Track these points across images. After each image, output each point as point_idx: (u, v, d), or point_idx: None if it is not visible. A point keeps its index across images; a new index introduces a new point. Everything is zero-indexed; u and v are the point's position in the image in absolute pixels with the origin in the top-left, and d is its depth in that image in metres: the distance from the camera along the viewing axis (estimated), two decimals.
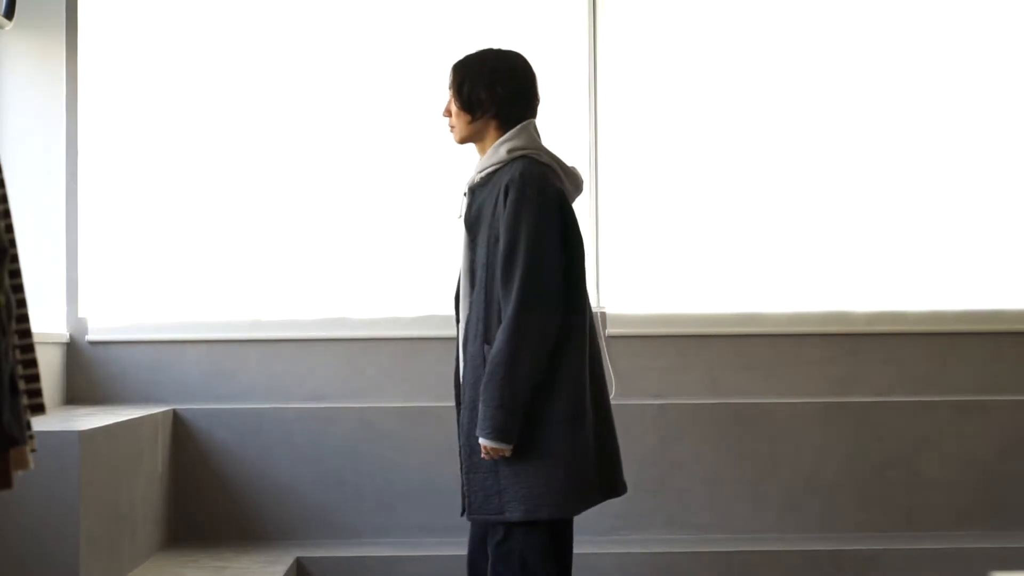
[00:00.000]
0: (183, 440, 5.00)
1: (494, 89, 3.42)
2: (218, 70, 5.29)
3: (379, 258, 5.25)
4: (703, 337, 5.29)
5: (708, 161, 5.36)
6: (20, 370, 2.50)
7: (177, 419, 5.00)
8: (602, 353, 3.52)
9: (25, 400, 2.46)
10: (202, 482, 5.00)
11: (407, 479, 5.00)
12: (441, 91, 5.19)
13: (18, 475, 2.37)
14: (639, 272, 5.32)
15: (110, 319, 5.20)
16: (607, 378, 3.51)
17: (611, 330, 5.25)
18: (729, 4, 5.41)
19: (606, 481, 3.41)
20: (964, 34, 5.44)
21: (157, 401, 5.12)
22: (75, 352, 5.17)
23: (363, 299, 5.27)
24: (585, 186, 5.23)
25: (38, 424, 2.75)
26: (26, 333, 2.56)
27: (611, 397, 5.05)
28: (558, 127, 5.22)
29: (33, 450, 2.47)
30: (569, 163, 3.49)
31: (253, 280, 5.26)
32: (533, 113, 3.48)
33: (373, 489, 5.01)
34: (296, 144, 5.29)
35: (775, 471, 5.09)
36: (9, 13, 4.88)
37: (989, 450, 5.15)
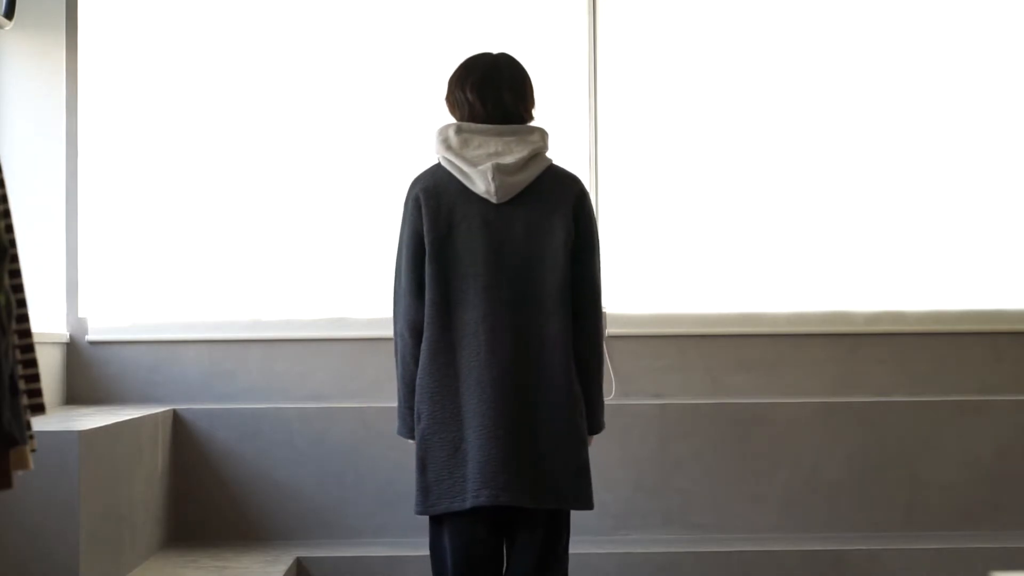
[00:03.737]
0: (183, 440, 5.00)
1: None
2: (218, 70, 5.29)
3: (379, 258, 5.25)
4: (703, 337, 5.29)
5: (708, 161, 5.36)
6: (20, 370, 2.50)
7: (177, 419, 5.00)
8: (515, 361, 3.35)
9: (25, 400, 2.46)
10: (202, 482, 5.00)
11: (407, 479, 4.94)
12: (440, 92, 5.22)
13: (18, 475, 2.37)
14: (639, 272, 5.32)
15: (110, 319, 5.20)
16: (541, 383, 3.37)
17: (611, 330, 5.24)
18: (729, 4, 5.41)
19: (479, 487, 3.31)
20: (964, 34, 5.44)
21: (157, 401, 5.12)
22: (75, 352, 5.17)
23: (363, 299, 5.27)
24: (585, 186, 5.27)
25: (38, 424, 2.75)
26: (26, 333, 2.56)
27: (610, 397, 5.11)
28: (558, 127, 5.22)
29: (33, 450, 2.47)
30: (488, 160, 3.38)
31: (253, 280, 5.26)
32: (462, 115, 3.50)
33: (373, 489, 5.01)
34: (296, 144, 5.30)
35: (775, 471, 5.09)
36: (9, 13, 4.88)
37: (989, 450, 5.15)
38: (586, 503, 3.44)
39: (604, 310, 5.13)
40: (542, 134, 3.48)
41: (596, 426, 3.51)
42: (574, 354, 3.40)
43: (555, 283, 3.37)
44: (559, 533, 3.47)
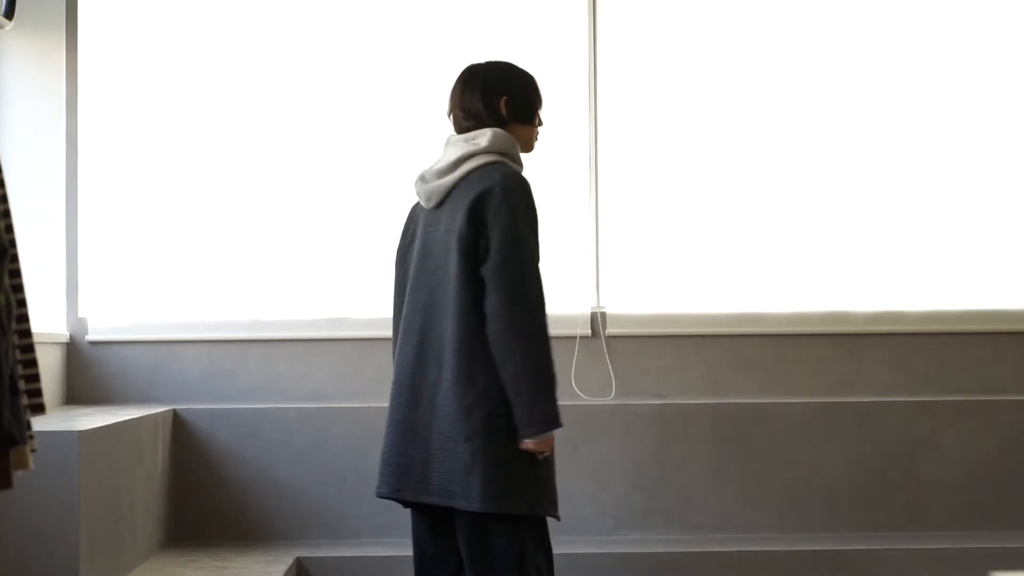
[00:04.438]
0: (183, 440, 5.00)
1: None
2: (218, 70, 5.29)
3: (379, 258, 5.25)
4: (703, 337, 5.29)
5: (708, 161, 5.37)
6: (20, 370, 2.50)
7: (177, 419, 5.00)
8: (432, 364, 3.41)
9: (25, 400, 2.46)
10: (202, 482, 5.00)
11: None
12: (440, 93, 5.23)
13: (18, 475, 2.37)
14: (639, 272, 5.32)
15: (110, 319, 5.20)
16: (444, 392, 3.37)
17: (611, 330, 5.25)
18: (729, 4, 5.41)
19: (395, 481, 3.49)
20: (964, 34, 5.44)
21: (157, 401, 5.12)
22: (75, 352, 5.17)
23: (363, 299, 5.27)
24: (585, 186, 5.31)
25: (38, 424, 2.75)
26: (26, 333, 2.56)
27: (610, 397, 5.11)
28: (558, 127, 5.23)
29: (33, 450, 2.47)
30: (433, 165, 3.49)
31: (253, 280, 5.26)
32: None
33: (373, 489, 4.99)
34: (296, 144, 5.30)
35: (775, 471, 5.09)
36: (9, 13, 4.88)
37: (989, 450, 5.15)
38: (480, 503, 3.28)
39: (604, 309, 5.22)
40: (493, 135, 3.42)
41: (526, 426, 3.28)
42: (493, 354, 3.32)
43: (453, 284, 3.36)
44: (490, 536, 3.35)
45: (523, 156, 3.53)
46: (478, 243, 3.32)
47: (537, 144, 3.56)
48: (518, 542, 3.34)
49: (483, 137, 3.42)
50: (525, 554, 3.35)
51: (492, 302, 3.29)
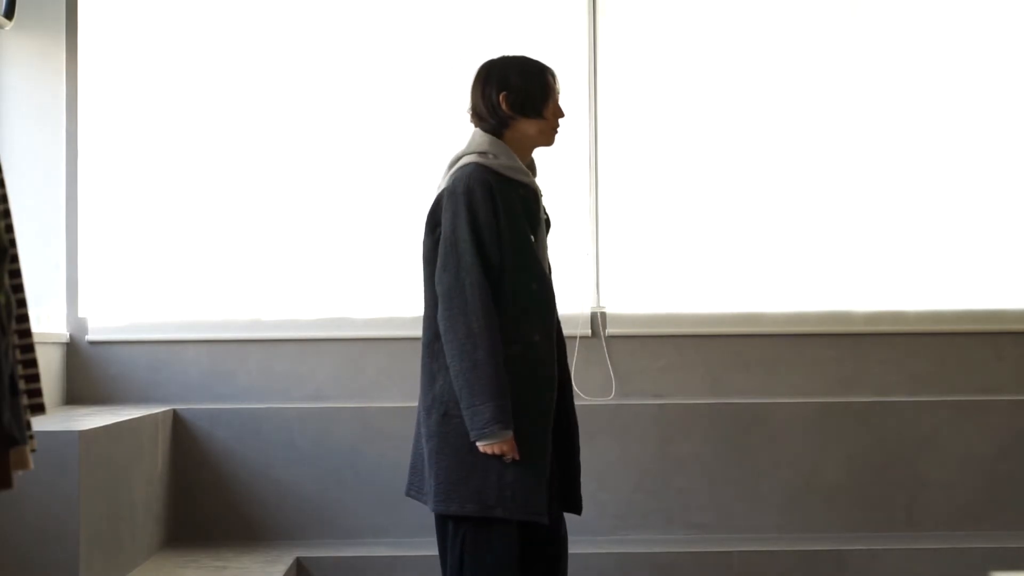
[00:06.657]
0: (183, 440, 4.99)
1: None
2: (218, 70, 5.29)
3: (379, 258, 5.26)
4: (703, 337, 5.29)
5: (708, 161, 5.36)
6: (20, 370, 2.50)
7: (177, 419, 5.00)
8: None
9: (25, 400, 2.46)
10: (202, 482, 5.00)
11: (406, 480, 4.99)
12: (441, 91, 5.22)
13: (18, 475, 2.37)
14: (639, 272, 5.32)
15: (110, 319, 5.20)
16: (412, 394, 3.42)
17: (611, 330, 5.25)
18: (729, 4, 5.41)
19: (409, 480, 3.50)
20: (964, 34, 5.44)
21: (157, 401, 5.12)
22: (75, 352, 5.17)
23: (363, 299, 5.27)
24: (585, 186, 5.31)
25: (38, 424, 2.75)
26: (26, 333, 2.55)
27: (610, 397, 5.12)
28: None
29: (33, 450, 2.47)
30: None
31: (253, 280, 5.26)
32: None
33: (373, 489, 5.01)
34: (296, 144, 5.30)
35: (775, 471, 5.09)
36: (9, 13, 4.88)
37: (989, 450, 5.15)
38: (433, 504, 3.31)
39: (604, 309, 5.22)
40: (472, 136, 3.41)
41: (470, 429, 3.24)
42: None
43: (424, 288, 3.37)
44: (443, 537, 3.39)
45: (545, 150, 3.49)
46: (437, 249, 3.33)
47: (557, 136, 3.46)
48: (458, 543, 3.33)
49: (470, 140, 3.41)
50: (464, 556, 3.32)
51: (441, 308, 3.29)
